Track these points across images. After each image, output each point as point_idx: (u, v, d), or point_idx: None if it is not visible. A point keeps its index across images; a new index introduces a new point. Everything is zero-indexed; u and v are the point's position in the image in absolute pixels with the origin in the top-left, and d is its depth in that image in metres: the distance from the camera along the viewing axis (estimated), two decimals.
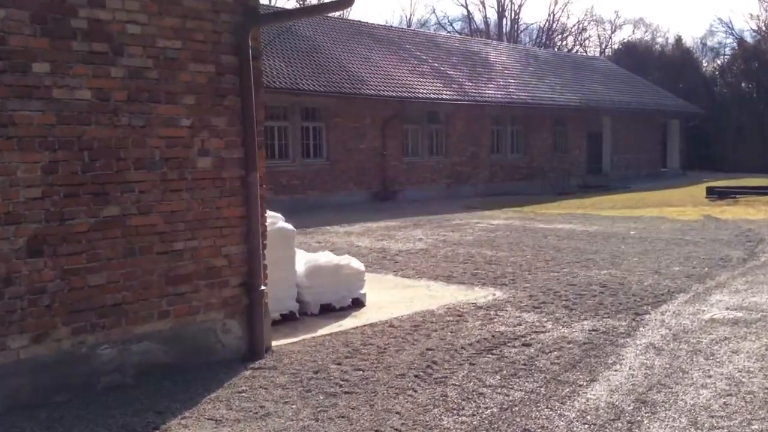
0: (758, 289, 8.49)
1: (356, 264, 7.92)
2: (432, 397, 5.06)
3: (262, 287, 5.99)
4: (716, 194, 22.24)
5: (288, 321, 7.12)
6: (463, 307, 7.78)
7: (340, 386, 5.29)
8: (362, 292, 7.90)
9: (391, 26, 32.94)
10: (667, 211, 18.32)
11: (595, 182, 30.96)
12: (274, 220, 7.21)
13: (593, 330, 6.76)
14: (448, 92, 25.53)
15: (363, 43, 26.32)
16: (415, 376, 5.51)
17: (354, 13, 77.30)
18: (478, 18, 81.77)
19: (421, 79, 25.45)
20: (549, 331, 6.73)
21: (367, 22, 29.68)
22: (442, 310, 7.69)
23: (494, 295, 8.44)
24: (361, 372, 5.60)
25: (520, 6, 76.52)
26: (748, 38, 51.82)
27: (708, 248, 11.75)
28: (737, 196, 22.15)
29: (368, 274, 9.67)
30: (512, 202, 21.98)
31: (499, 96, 27.62)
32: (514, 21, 60.04)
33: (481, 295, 8.45)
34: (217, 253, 5.78)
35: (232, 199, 5.87)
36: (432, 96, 24.51)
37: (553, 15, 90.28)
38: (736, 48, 49.27)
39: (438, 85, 25.73)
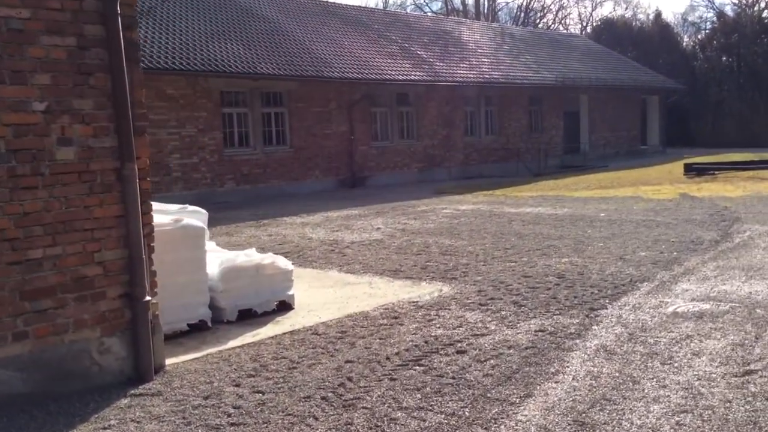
0: (729, 275, 7.72)
1: (282, 263, 7.07)
2: (334, 426, 4.24)
3: (147, 298, 5.12)
4: (694, 171, 21.52)
5: (197, 332, 6.28)
6: (402, 308, 6.96)
7: (229, 415, 4.45)
8: (290, 293, 7.06)
9: (360, 7, 31.89)
10: (642, 190, 17.56)
11: (573, 162, 30.21)
12: (180, 216, 6.32)
13: (540, 330, 5.95)
14: (418, 73, 24.62)
15: (329, 25, 25.33)
16: (322, 398, 4.68)
17: None
18: None
19: (389, 61, 24.51)
20: (490, 334, 5.92)
21: (335, 3, 28.60)
22: (379, 311, 6.86)
23: (440, 291, 7.62)
24: (260, 395, 4.77)
25: None
26: (729, 12, 51.08)
27: (679, 230, 10.98)
28: (716, 172, 21.44)
29: (310, 271, 8.89)
30: (485, 186, 21.18)
31: (472, 76, 26.73)
32: (492, 0, 58.95)
33: (426, 291, 7.63)
34: (88, 260, 4.91)
35: (106, 195, 4.99)
36: (400, 78, 23.58)
37: None
38: (716, 22, 48.49)
39: (407, 66, 24.80)
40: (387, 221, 13.72)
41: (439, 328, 6.20)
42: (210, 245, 7.35)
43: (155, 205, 7.61)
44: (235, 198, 18.88)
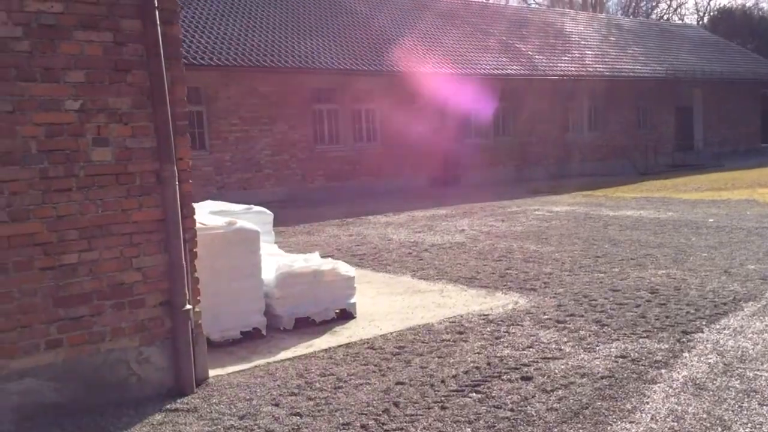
0: None
1: (343, 269, 6.68)
2: None
3: (188, 306, 4.84)
4: None
5: (251, 340, 5.98)
6: (470, 321, 6.41)
7: None
8: (351, 301, 6.66)
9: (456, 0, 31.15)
10: (758, 193, 16.07)
11: (685, 160, 28.37)
12: (237, 218, 6.04)
13: (621, 356, 5.26)
14: (514, 67, 23.74)
15: (422, 19, 24.82)
16: (362, 426, 4.24)
17: None
18: None
19: (484, 54, 23.76)
20: (563, 358, 5.29)
21: None
22: (444, 324, 6.35)
23: (516, 303, 7.01)
24: (298, 418, 4.38)
25: None
26: None
27: None
28: None
29: (382, 276, 8.49)
30: (585, 185, 20.11)
31: (573, 69, 25.55)
32: None
33: (500, 303, 7.04)
34: (126, 265, 4.68)
35: (145, 198, 4.74)
36: (495, 72, 22.79)
37: None
38: None
39: (504, 59, 23.96)
40: (473, 222, 13.11)
41: (506, 347, 5.62)
42: (272, 248, 7.08)
43: (219, 205, 7.45)
44: (325, 195, 18.75)
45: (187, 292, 4.84)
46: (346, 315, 6.62)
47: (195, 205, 7.55)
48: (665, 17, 58.08)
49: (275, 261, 6.45)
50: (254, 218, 7.42)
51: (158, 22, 4.65)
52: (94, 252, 4.55)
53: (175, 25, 4.85)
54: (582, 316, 6.44)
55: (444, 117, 21.79)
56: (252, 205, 7.65)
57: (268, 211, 7.62)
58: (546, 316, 6.47)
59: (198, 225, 5.80)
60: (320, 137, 19.40)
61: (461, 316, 6.59)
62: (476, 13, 27.65)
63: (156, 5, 4.61)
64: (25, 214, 4.31)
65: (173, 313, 4.81)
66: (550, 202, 16.23)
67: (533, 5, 52.05)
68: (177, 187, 4.77)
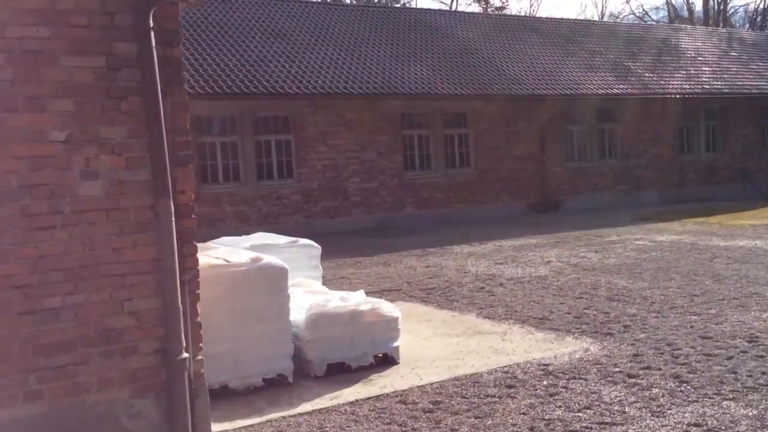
0: None
1: (387, 309, 6.06)
2: None
3: (185, 354, 4.38)
4: None
5: (274, 388, 5.45)
6: (526, 372, 5.62)
7: None
8: (394, 345, 6.02)
9: (561, 19, 30.00)
10: None
11: None
12: (260, 256, 5.57)
13: (695, 424, 4.35)
14: (621, 86, 22.36)
15: (524, 41, 23.92)
16: None
17: (542, 9, 72.97)
18: (680, 4, 74.49)
19: (589, 74, 22.55)
20: (624, 424, 4.43)
21: (532, 17, 27.20)
22: (495, 375, 5.59)
23: (586, 351, 6.14)
24: None
25: None
26: None
27: None
28: None
29: (444, 314, 7.82)
30: (699, 211, 18.47)
31: (688, 87, 23.78)
32: (721, 4, 53.37)
33: (567, 350, 6.19)
34: (116, 309, 4.28)
35: (140, 236, 4.33)
36: (599, 91, 21.52)
37: None
38: None
39: (610, 78, 22.64)
40: (562, 253, 12.12)
41: (559, 407, 4.81)
42: (314, 285, 6.56)
43: (263, 237, 7.04)
44: (415, 223, 18.16)
45: (183, 338, 4.39)
46: (387, 360, 5.99)
47: (239, 238, 7.23)
48: None
49: (304, 300, 5.92)
50: (299, 252, 6.98)
51: (155, 45, 4.28)
52: (80, 295, 4.18)
53: (176, 48, 4.46)
54: (659, 369, 5.49)
55: (542, 140, 20.76)
56: (298, 238, 7.19)
57: (315, 245, 7.14)
58: (617, 368, 5.57)
59: (219, 262, 5.39)
60: (410, 164, 18.89)
61: (517, 365, 5.80)
62: (581, 32, 26.43)
63: (152, 26, 4.24)
64: (4, 255, 4.00)
65: (168, 362, 4.37)
66: (655, 231, 14.90)
67: (650, 22, 49.74)
68: (173, 223, 4.34)
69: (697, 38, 30.01)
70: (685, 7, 55.99)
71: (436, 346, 6.55)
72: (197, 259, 4.58)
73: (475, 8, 48.16)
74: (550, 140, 20.99)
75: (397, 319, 6.06)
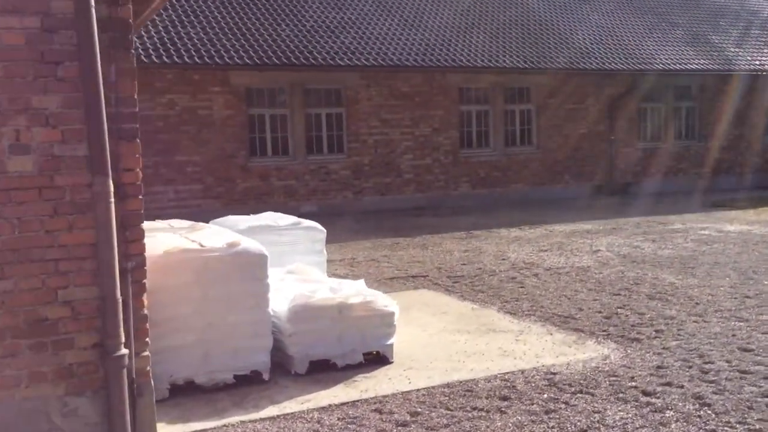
0: None
1: (381, 302, 5.51)
2: None
3: (123, 351, 3.98)
4: None
5: (246, 385, 5.00)
6: (528, 381, 4.99)
7: None
8: (388, 342, 5.48)
9: None
10: None
11: None
12: (238, 240, 5.11)
13: None
14: (702, 61, 20.78)
15: (599, 9, 22.52)
16: None
17: None
18: None
19: (667, 48, 21.05)
20: None
21: None
22: (492, 383, 4.98)
23: (605, 359, 5.44)
24: None
25: None
26: None
27: None
28: None
29: (463, 306, 7.29)
30: None
31: None
32: None
33: (584, 357, 5.50)
34: (50, 298, 3.90)
35: (78, 217, 3.93)
36: (677, 67, 20.06)
37: None
38: None
39: (690, 53, 21.08)
40: (615, 241, 11.23)
41: (552, 428, 4.18)
42: (312, 272, 6.06)
43: (265, 218, 6.59)
44: (470, 202, 17.45)
45: (122, 333, 3.98)
46: (380, 359, 5.46)
47: (243, 217, 6.80)
48: None
49: (290, 289, 5.43)
50: (302, 235, 6.52)
51: (94, 4, 3.82)
52: (8, 281, 3.82)
53: (123, 7, 3.99)
54: (682, 386, 4.76)
55: (612, 118, 19.55)
56: (302, 219, 6.70)
57: (320, 227, 6.63)
58: (632, 383, 4.87)
59: (191, 246, 4.97)
60: (467, 141, 18.11)
61: (521, 373, 5.17)
62: (665, 2, 24.69)
63: None
64: None
65: (105, 358, 3.97)
66: (725, 219, 13.72)
67: None
68: (111, 204, 3.91)
69: None
70: None
71: (440, 343, 5.97)
72: (143, 245, 4.14)
73: None
74: (620, 118, 19.76)
75: (392, 314, 5.51)
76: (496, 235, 12.36)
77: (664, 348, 5.64)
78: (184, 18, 15.74)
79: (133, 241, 4.09)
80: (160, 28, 15.03)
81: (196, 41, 14.96)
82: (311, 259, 6.43)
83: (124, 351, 3.99)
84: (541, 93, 18.79)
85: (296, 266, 5.95)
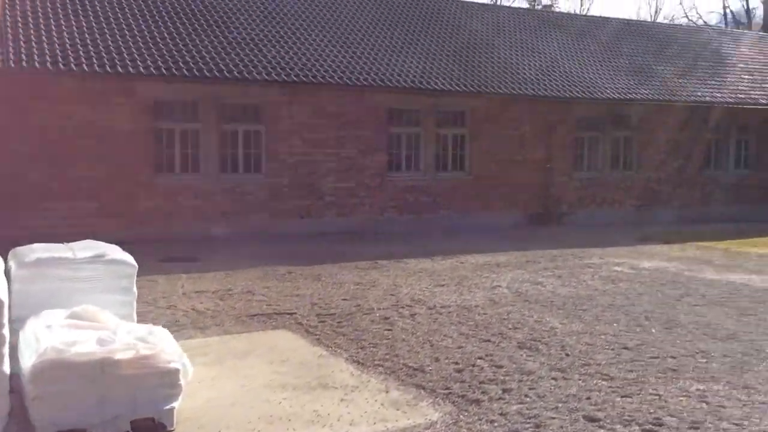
0: None
1: (165, 357, 4.64)
2: None
3: None
4: None
5: None
6: None
7: None
8: (168, 407, 4.60)
9: (592, 16, 27.99)
10: None
11: None
12: None
13: None
14: (643, 91, 20.42)
15: (546, 38, 22.13)
16: None
17: (595, 8, 69.61)
18: (737, 8, 70.79)
19: (608, 76, 20.65)
20: None
21: (559, 12, 25.38)
22: None
23: (428, 427, 4.68)
24: None
25: None
26: None
27: None
28: None
29: (311, 352, 6.48)
30: (713, 234, 16.60)
31: (720, 96, 21.69)
32: None
33: (404, 425, 4.74)
34: None
35: None
36: (616, 96, 19.64)
37: None
38: None
39: (631, 82, 20.71)
40: (520, 276, 10.54)
41: None
42: (101, 315, 5.16)
43: (71, 247, 5.73)
44: (395, 229, 16.69)
45: None
46: (156, 427, 4.60)
47: (40, 246, 5.90)
48: None
49: (47, 339, 4.55)
50: (104, 271, 5.63)
51: None
52: None
53: None
54: None
55: (549, 146, 19.02)
56: (110, 251, 5.82)
57: (130, 261, 5.75)
58: None
59: None
60: (396, 164, 17.40)
61: None
62: (611, 32, 24.35)
63: None
64: None
65: None
66: (646, 254, 13.14)
67: (700, 25, 46.93)
68: None
69: (742, 43, 27.66)
70: (744, 13, 52.81)
71: (250, 403, 5.15)
72: None
73: (523, 4, 46.30)
74: (558, 146, 19.24)
75: (176, 371, 4.66)
76: (401, 266, 11.61)
77: (501, 414, 4.89)
78: (95, 26, 14.87)
79: None
80: (65, 36, 14.14)
81: (101, 49, 14.09)
82: (114, 298, 5.55)
83: None
84: (476, 118, 18.19)
85: (83, 308, 5.08)
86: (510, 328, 7.34)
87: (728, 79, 23.24)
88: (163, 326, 6.94)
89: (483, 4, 24.25)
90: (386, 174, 17.14)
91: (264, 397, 5.27)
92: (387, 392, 5.39)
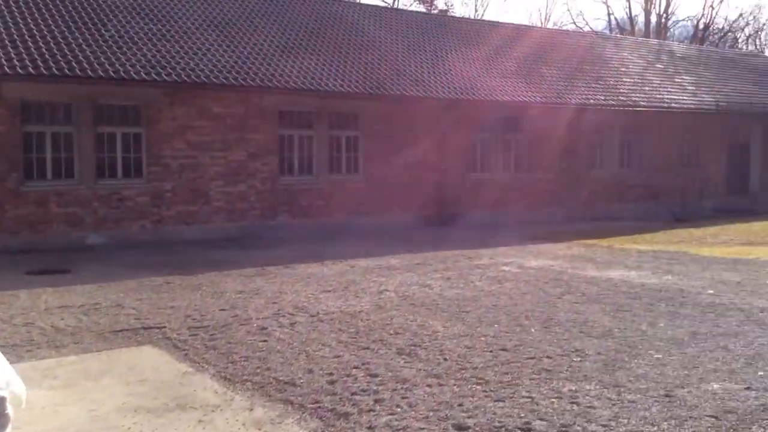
0: None
1: None
2: None
3: None
4: None
5: None
6: None
7: None
8: None
9: (486, 21, 28.56)
10: None
11: (737, 205, 24.84)
12: None
13: None
14: (532, 94, 20.88)
15: (437, 41, 22.29)
16: None
17: (489, 13, 71.24)
18: (621, 15, 74.53)
19: (499, 80, 21.00)
20: None
21: (454, 17, 25.66)
22: None
23: None
24: None
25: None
26: None
27: None
28: None
29: (175, 370, 6.00)
30: (597, 232, 17.10)
31: (603, 98, 22.48)
32: (661, 16, 52.94)
33: None
34: None
35: None
36: (506, 98, 19.98)
37: (712, 8, 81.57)
38: None
39: (521, 85, 21.15)
40: (409, 279, 10.40)
41: None
42: None
43: None
44: (289, 233, 16.28)
45: None
46: None
47: None
48: (742, 47, 54.00)
49: None
50: None
51: None
52: None
53: None
54: None
55: (443, 148, 19.10)
56: None
57: None
58: None
59: None
60: (288, 167, 17.01)
61: None
62: (500, 37, 24.81)
63: None
64: None
65: None
66: (534, 253, 13.33)
67: (585, 30, 48.90)
68: None
69: (624, 48, 28.89)
70: (627, 20, 55.45)
71: (94, 431, 4.68)
72: None
73: (419, 8, 46.72)
74: (451, 148, 19.35)
75: (1, 400, 4.15)
76: (289, 272, 11.24)
77: (369, 427, 4.64)
78: None
79: None
80: None
81: None
82: None
83: None
84: (369, 119, 18.04)
85: None
86: (391, 334, 7.12)
87: (610, 82, 24.15)
88: (15, 345, 6.36)
89: (379, 7, 24.21)
90: (278, 177, 16.71)
91: (113, 423, 4.80)
92: (251, 410, 5.04)
